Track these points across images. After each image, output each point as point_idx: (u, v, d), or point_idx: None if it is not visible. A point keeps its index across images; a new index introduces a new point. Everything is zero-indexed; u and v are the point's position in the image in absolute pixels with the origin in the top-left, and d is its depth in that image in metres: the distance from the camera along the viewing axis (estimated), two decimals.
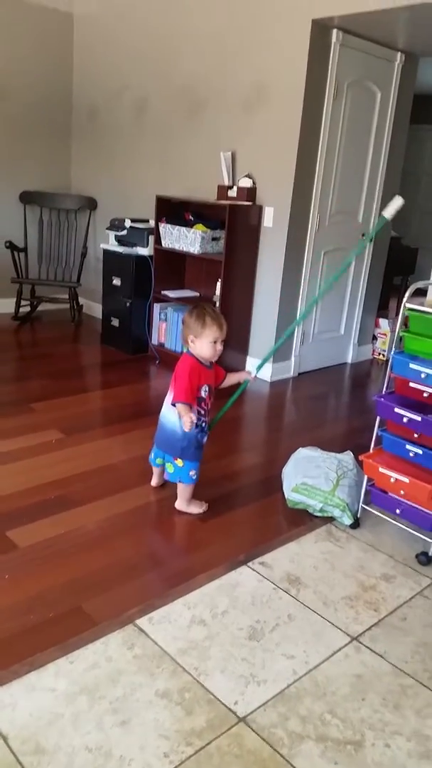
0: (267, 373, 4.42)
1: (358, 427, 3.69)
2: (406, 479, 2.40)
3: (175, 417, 2.50)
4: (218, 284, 4.26)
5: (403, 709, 1.79)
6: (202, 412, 2.52)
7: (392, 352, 2.47)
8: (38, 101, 5.39)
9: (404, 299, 2.38)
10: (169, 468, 2.61)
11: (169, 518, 2.62)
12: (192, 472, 2.58)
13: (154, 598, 2.13)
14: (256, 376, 2.73)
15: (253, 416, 3.89)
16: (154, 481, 2.80)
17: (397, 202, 2.60)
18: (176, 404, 2.44)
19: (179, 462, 2.56)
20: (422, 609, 2.20)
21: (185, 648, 1.94)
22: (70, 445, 3.19)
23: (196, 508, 2.65)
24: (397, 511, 2.51)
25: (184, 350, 2.54)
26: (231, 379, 2.67)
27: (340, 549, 2.52)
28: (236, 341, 4.41)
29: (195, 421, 2.43)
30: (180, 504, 2.65)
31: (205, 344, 2.46)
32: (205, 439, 2.61)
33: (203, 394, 2.51)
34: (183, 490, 2.63)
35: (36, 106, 5.39)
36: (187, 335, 2.50)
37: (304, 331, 4.52)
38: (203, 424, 2.55)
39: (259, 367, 2.79)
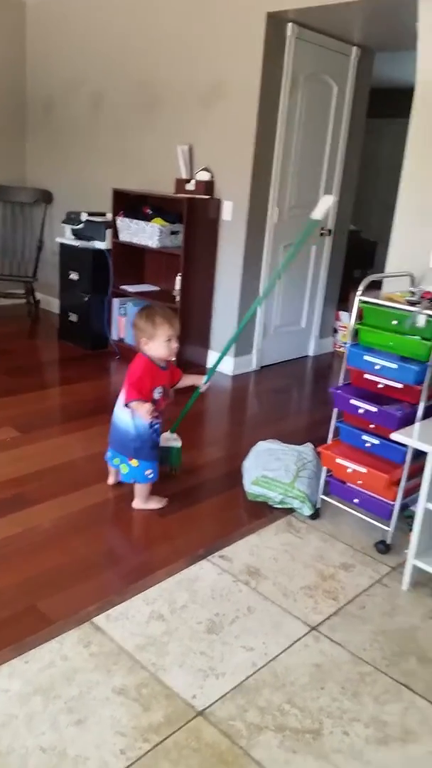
0: (229, 367, 4.41)
1: (318, 420, 3.71)
2: (363, 469, 2.41)
3: (127, 417, 2.47)
4: (178, 278, 4.23)
5: (361, 696, 1.80)
6: (156, 413, 2.50)
7: (347, 345, 2.48)
8: None
9: (358, 292, 2.39)
10: (124, 469, 2.58)
11: (128, 515, 2.59)
12: (148, 472, 2.55)
13: (112, 595, 2.11)
14: (207, 386, 2.71)
15: (215, 410, 3.88)
16: (110, 480, 2.77)
17: (326, 202, 2.52)
18: (129, 404, 2.42)
19: (134, 462, 2.53)
20: (381, 597, 2.22)
21: (143, 644, 1.92)
22: (26, 443, 3.13)
23: (156, 504, 2.63)
24: (356, 500, 2.53)
25: (140, 352, 2.51)
26: (186, 380, 2.66)
27: (300, 540, 2.53)
28: (197, 335, 4.39)
29: (151, 409, 2.40)
30: (137, 503, 2.61)
31: (159, 344, 2.43)
32: (159, 438, 2.59)
33: (157, 396, 2.49)
34: (140, 489, 2.60)
35: None
36: (140, 338, 2.47)
37: (265, 324, 4.52)
38: (157, 426, 2.53)
39: (209, 375, 2.72)
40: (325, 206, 2.52)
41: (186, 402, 2.82)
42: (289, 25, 3.84)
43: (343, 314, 5.11)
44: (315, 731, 1.68)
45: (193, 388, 2.74)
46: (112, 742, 1.59)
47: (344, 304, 5.04)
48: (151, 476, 2.57)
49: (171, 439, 2.81)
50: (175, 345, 2.47)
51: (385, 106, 6.09)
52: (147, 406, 2.38)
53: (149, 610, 2.07)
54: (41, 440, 3.18)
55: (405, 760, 1.62)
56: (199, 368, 4.45)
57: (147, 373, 2.44)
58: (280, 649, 1.95)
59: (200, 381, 2.70)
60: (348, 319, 5.06)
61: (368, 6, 3.33)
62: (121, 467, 2.59)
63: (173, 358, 2.53)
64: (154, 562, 2.30)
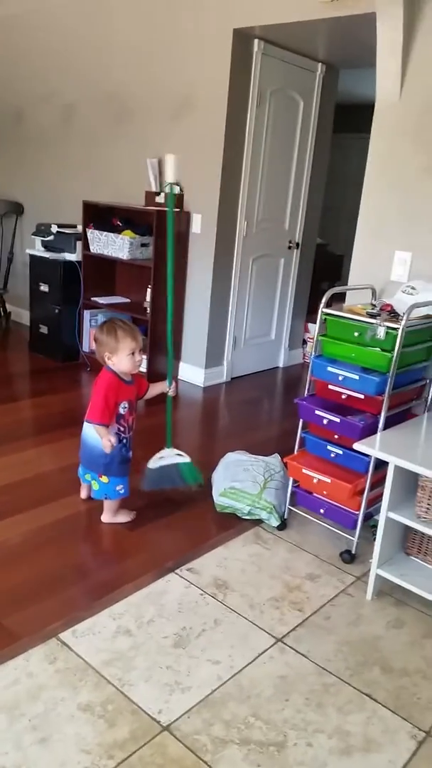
0: (200, 379, 4.43)
1: (287, 430, 3.74)
2: (328, 479, 2.45)
3: (95, 434, 2.46)
4: (148, 290, 4.24)
5: (325, 707, 1.83)
6: (122, 428, 2.50)
7: (312, 356, 2.52)
8: None
9: (321, 305, 2.43)
10: (95, 485, 2.57)
11: (97, 528, 2.59)
12: (119, 487, 2.55)
13: (79, 611, 2.10)
14: (174, 388, 2.70)
15: (185, 421, 3.89)
16: (83, 494, 2.76)
17: (170, 161, 2.45)
18: (90, 423, 2.42)
19: (104, 479, 2.53)
20: (345, 607, 2.25)
21: (109, 659, 1.92)
22: None
23: (124, 517, 2.63)
24: (321, 510, 2.56)
25: (105, 368, 2.49)
26: (154, 390, 2.65)
27: (267, 551, 2.55)
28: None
29: (114, 443, 2.42)
30: (106, 517, 2.61)
31: (122, 358, 2.42)
32: (130, 454, 2.59)
33: (122, 410, 2.48)
34: (109, 503, 2.60)
35: None
36: (103, 353, 2.44)
37: (235, 336, 4.56)
38: (125, 440, 2.52)
39: (169, 381, 2.69)
40: (171, 165, 2.47)
41: (164, 414, 2.78)
42: (256, 41, 3.90)
43: (311, 326, 5.16)
44: (279, 744, 1.69)
45: (164, 397, 2.74)
46: (77, 760, 1.59)
47: (313, 315, 5.08)
48: (122, 491, 2.56)
49: (171, 456, 2.76)
50: (138, 358, 2.46)
51: (353, 121, 6.19)
52: (111, 439, 2.40)
53: (116, 625, 2.07)
54: (10, 453, 3.16)
55: None
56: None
57: (111, 390, 2.42)
58: (245, 661, 1.96)
59: (164, 386, 2.68)
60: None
61: (330, 24, 3.40)
62: (92, 483, 2.58)
63: (137, 371, 2.51)
64: (122, 577, 2.30)
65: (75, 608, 2.11)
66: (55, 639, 1.98)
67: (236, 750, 1.66)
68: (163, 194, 4.20)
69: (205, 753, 1.64)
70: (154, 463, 2.73)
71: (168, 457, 2.77)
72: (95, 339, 2.48)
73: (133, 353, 2.43)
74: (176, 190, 4.18)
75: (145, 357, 4.34)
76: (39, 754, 1.59)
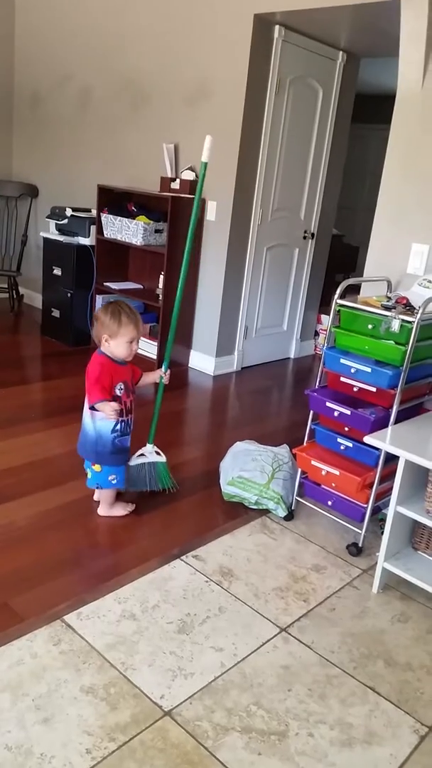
0: (210, 367, 4.42)
1: (297, 421, 3.73)
2: (336, 472, 2.44)
3: (89, 420, 2.41)
4: (161, 277, 4.23)
5: (327, 698, 1.82)
6: (119, 410, 2.39)
7: (324, 347, 2.50)
8: None
9: (335, 296, 2.41)
10: (88, 474, 2.52)
11: None
12: (112, 477, 2.49)
13: (84, 594, 2.11)
14: (167, 374, 2.60)
15: (194, 410, 3.89)
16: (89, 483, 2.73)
17: (207, 143, 2.39)
18: (94, 406, 2.35)
19: (97, 467, 2.47)
20: (351, 599, 2.25)
21: (113, 643, 1.93)
22: (3, 438, 3.12)
23: (120, 510, 2.57)
24: (329, 502, 2.55)
25: (97, 351, 2.41)
26: (147, 378, 2.55)
27: (274, 541, 2.54)
28: (180, 335, 4.39)
29: (117, 408, 2.32)
30: (102, 510, 2.55)
31: (120, 344, 2.34)
32: (127, 442, 2.50)
33: (118, 392, 2.39)
34: (105, 495, 2.54)
35: None
36: (101, 334, 2.35)
37: (247, 326, 4.54)
38: (120, 426, 2.42)
39: (166, 366, 2.61)
40: (207, 146, 2.41)
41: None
42: (276, 27, 3.85)
43: (324, 317, 5.14)
44: (281, 733, 1.69)
45: (157, 387, 2.66)
46: (78, 741, 1.60)
47: (326, 307, 5.08)
48: (114, 482, 2.50)
49: (151, 454, 2.66)
50: (135, 347, 2.38)
51: (373, 112, 6.13)
52: (112, 405, 2.31)
53: (121, 609, 2.07)
54: (19, 436, 3.16)
55: (368, 763, 1.64)
56: (181, 366, 4.46)
57: (105, 370, 2.34)
58: (249, 650, 1.96)
59: (158, 377, 2.60)
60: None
61: (353, 12, 3.35)
62: (87, 471, 2.53)
63: (130, 359, 2.43)
64: (128, 561, 2.31)
65: (80, 591, 2.11)
66: (60, 621, 1.98)
67: (237, 737, 1.66)
68: (179, 180, 4.17)
69: (206, 739, 1.65)
70: (134, 460, 2.61)
71: (149, 454, 2.65)
72: (96, 317, 2.37)
73: (132, 342, 2.35)
74: (192, 176, 4.15)
75: (156, 343, 4.33)
76: (41, 734, 1.60)
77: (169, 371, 2.62)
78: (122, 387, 2.40)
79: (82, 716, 1.67)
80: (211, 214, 4.19)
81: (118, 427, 2.41)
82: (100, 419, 2.39)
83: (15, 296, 5.34)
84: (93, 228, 4.48)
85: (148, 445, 2.67)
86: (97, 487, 2.55)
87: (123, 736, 1.63)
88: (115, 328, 2.32)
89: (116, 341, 2.34)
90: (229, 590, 2.22)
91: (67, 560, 2.28)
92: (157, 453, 2.68)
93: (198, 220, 4.20)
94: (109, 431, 2.40)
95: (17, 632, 1.91)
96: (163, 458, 2.68)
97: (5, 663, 1.80)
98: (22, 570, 2.19)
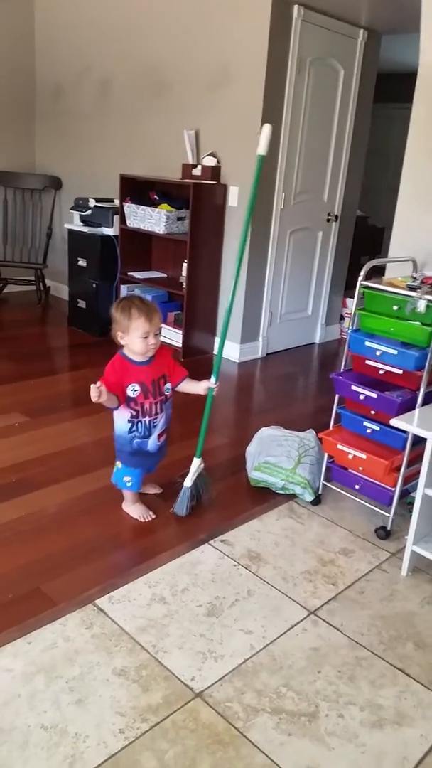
0: (235, 354, 4.42)
1: (323, 406, 3.71)
2: (363, 455, 2.42)
3: (116, 417, 2.36)
4: (184, 265, 4.23)
5: (357, 680, 1.83)
6: (134, 413, 2.31)
7: (349, 330, 2.48)
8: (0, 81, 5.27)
9: (360, 278, 2.38)
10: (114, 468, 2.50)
11: None
12: (127, 479, 2.44)
13: (115, 578, 2.14)
14: (217, 386, 2.44)
15: (220, 397, 3.86)
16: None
17: (265, 132, 2.22)
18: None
19: (118, 464, 2.45)
20: (380, 582, 2.24)
21: (144, 626, 1.96)
22: (33, 428, 3.17)
23: (136, 513, 2.50)
24: (357, 486, 2.54)
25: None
26: (191, 387, 2.41)
27: (301, 525, 2.55)
28: (204, 323, 4.40)
29: (95, 395, 2.14)
30: (124, 504, 2.54)
31: (134, 339, 2.22)
32: (147, 446, 2.39)
33: (131, 393, 2.28)
34: (125, 492, 2.52)
35: None
36: (116, 331, 2.25)
37: (271, 311, 4.52)
38: (136, 427, 2.34)
39: (215, 377, 2.43)
40: (265, 137, 2.22)
41: (202, 417, 2.56)
42: (296, 7, 3.80)
43: (350, 301, 5.08)
44: (311, 714, 1.71)
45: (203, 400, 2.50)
46: (111, 722, 1.63)
47: (351, 291, 5.01)
48: (129, 484, 2.45)
49: (198, 467, 2.54)
50: (152, 342, 2.24)
51: (396, 91, 6.01)
52: (98, 389, 2.14)
53: (151, 592, 2.10)
54: (48, 425, 3.21)
55: (399, 744, 1.64)
56: (206, 354, 4.46)
57: (113, 369, 2.26)
58: (278, 632, 1.98)
59: (206, 385, 2.42)
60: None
61: None
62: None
63: (150, 355, 2.30)
64: (157, 546, 2.33)
65: (111, 575, 2.15)
66: (92, 605, 2.02)
67: (268, 719, 1.68)
68: (200, 167, 4.16)
69: (237, 720, 1.67)
70: (190, 479, 2.51)
71: (198, 467, 2.55)
72: (111, 315, 2.28)
73: (146, 336, 2.21)
74: (213, 161, 4.14)
75: (180, 332, 4.34)
76: (76, 714, 1.64)
77: (218, 383, 2.43)
78: (137, 388, 2.29)
79: (114, 698, 1.70)
80: (233, 199, 4.17)
81: (135, 428, 2.34)
82: (116, 416, 2.36)
83: (42, 288, 5.39)
84: (116, 218, 4.49)
85: (195, 459, 2.56)
86: (116, 485, 2.50)
87: (155, 717, 1.66)
88: (126, 323, 2.22)
89: (129, 337, 2.23)
90: (257, 574, 2.23)
91: (97, 546, 2.31)
92: (200, 467, 2.57)
93: (219, 207, 4.21)
94: (126, 431, 2.34)
95: (50, 617, 1.96)
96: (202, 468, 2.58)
97: (39, 646, 1.85)
98: (53, 556, 2.23)
